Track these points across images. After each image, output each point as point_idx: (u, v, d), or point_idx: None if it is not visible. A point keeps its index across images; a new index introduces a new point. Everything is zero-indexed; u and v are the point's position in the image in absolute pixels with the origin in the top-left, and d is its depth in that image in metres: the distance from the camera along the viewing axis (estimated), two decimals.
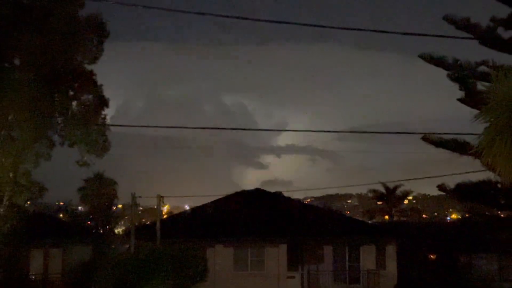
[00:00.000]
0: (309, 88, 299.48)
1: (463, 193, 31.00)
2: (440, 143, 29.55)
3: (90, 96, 21.89)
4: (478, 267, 33.60)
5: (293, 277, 32.65)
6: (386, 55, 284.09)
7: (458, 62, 27.95)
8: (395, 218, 58.40)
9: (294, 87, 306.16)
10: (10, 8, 19.44)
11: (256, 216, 34.59)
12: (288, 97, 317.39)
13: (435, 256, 36.42)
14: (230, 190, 40.67)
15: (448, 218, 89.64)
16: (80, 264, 30.04)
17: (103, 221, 44.33)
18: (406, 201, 70.47)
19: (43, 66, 19.73)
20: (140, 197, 35.33)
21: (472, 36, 26.60)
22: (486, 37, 26.68)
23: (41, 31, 19.15)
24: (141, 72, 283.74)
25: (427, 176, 34.33)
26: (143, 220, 69.35)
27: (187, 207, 71.57)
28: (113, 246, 42.75)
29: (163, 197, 33.72)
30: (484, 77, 26.61)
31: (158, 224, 31.27)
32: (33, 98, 19.72)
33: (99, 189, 43.05)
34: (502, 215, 35.38)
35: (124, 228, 57.54)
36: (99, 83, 22.08)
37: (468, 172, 26.04)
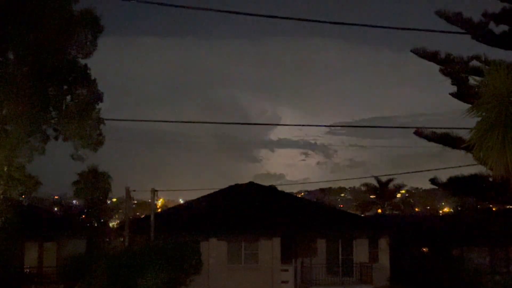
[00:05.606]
0: (301, 83, 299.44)
1: (455, 186, 31.26)
2: (433, 137, 29.78)
3: (84, 91, 21.93)
4: (470, 260, 33.84)
5: (287, 270, 32.78)
6: (377, 49, 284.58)
7: (451, 57, 28.15)
8: (387, 212, 58.73)
9: (287, 81, 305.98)
10: (4, 2, 19.44)
11: (249, 210, 34.68)
12: (280, 91, 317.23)
13: (427, 249, 36.66)
14: (224, 184, 40.79)
15: (440, 211, 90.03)
16: (74, 258, 30.11)
17: (98, 215, 44.35)
18: (398, 195, 70.88)
19: (38, 61, 19.76)
20: (134, 191, 35.40)
21: (464, 31, 26.78)
22: (478, 32, 26.87)
23: (36, 26, 19.18)
24: (133, 65, 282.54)
25: (419, 170, 34.55)
26: (137, 213, 69.29)
27: (181, 201, 71.65)
28: (107, 240, 42.84)
29: (157, 191, 33.78)
30: (476, 71, 26.83)
31: (152, 217, 31.32)
32: (27, 92, 19.75)
33: (94, 183, 43.04)
34: (493, 208, 35.68)
35: (118, 221, 57.55)
36: (92, 77, 22.15)
37: (460, 166, 26.27)
